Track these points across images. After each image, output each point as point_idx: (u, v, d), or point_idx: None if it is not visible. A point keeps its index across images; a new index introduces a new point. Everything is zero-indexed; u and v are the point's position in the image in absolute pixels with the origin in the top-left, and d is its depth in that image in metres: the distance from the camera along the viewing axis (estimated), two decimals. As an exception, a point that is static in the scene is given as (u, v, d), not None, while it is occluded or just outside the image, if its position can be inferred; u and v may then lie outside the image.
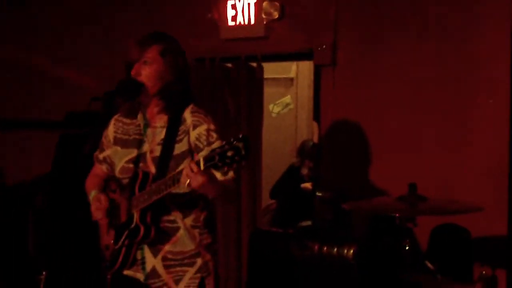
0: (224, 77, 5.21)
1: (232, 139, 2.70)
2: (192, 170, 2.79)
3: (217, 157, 2.71)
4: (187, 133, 3.15)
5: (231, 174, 3.09)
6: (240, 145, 2.67)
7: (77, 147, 3.24)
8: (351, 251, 3.99)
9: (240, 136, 2.70)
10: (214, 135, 3.15)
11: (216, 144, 3.05)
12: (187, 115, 3.18)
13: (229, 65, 5.23)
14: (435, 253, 4.15)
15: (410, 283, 3.42)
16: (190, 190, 2.91)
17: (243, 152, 2.67)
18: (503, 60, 4.28)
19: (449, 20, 4.47)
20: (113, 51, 5.41)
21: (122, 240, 3.14)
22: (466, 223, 4.13)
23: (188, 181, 2.80)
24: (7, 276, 5.17)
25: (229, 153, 2.68)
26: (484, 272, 2.80)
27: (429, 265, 3.62)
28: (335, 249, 4.05)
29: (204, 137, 3.13)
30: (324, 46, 4.84)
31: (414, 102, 4.56)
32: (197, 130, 3.14)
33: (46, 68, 5.96)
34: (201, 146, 3.12)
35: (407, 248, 3.47)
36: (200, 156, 2.83)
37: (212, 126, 3.16)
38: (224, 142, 2.74)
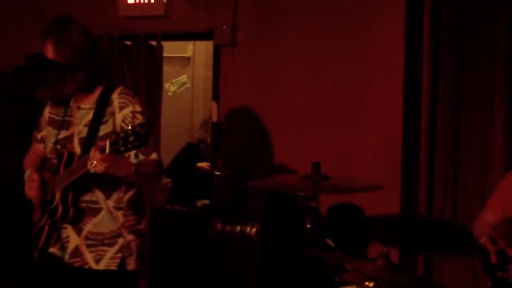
0: (123, 55, 5.17)
1: (136, 125, 2.77)
2: (95, 156, 2.82)
3: (121, 142, 2.76)
4: (113, 114, 3.19)
5: (154, 155, 3.15)
6: (141, 131, 2.75)
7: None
8: (254, 229, 4.07)
9: (143, 122, 2.83)
10: (139, 116, 3.18)
11: None
12: (115, 97, 3.22)
13: (128, 43, 5.19)
14: (331, 231, 4.28)
15: (312, 260, 3.52)
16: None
17: (142, 139, 2.75)
18: (398, 42, 4.45)
19: (346, 1, 4.61)
20: (15, 27, 5.26)
21: (44, 218, 3.19)
22: (361, 202, 4.29)
23: (94, 164, 2.83)
24: None
25: (131, 139, 2.75)
26: (385, 249, 2.92)
27: (330, 242, 3.73)
28: (238, 227, 4.12)
29: (129, 119, 3.16)
30: (224, 26, 4.87)
31: (312, 82, 4.68)
32: (123, 112, 3.19)
33: None
34: (126, 128, 3.09)
35: (308, 226, 3.56)
36: (107, 141, 2.84)
37: (138, 108, 3.20)
38: (129, 127, 2.79)
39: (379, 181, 3.72)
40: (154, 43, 5.12)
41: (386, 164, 4.40)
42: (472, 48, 4.37)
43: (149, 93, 5.14)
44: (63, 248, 3.22)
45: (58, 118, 3.31)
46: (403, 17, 4.45)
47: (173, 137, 6.70)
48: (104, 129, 3.16)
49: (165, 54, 5.26)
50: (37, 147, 3.46)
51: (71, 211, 3.13)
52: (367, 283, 2.94)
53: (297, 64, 4.73)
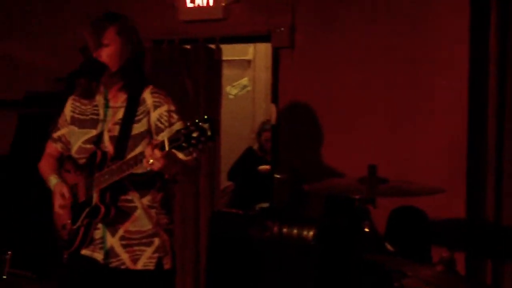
0: (183, 59, 5.17)
1: (196, 120, 2.71)
2: (155, 154, 2.78)
3: (182, 138, 2.71)
4: (147, 114, 3.17)
5: (194, 154, 3.10)
6: (206, 126, 2.68)
7: (38, 128, 3.20)
8: (311, 232, 4.01)
9: (205, 117, 2.71)
10: (175, 116, 3.18)
11: (178, 125, 3.11)
12: (147, 95, 3.20)
13: (188, 47, 5.19)
14: (393, 235, 4.18)
15: (371, 264, 3.44)
16: (149, 170, 2.92)
17: (209, 133, 2.68)
18: (462, 39, 4.30)
19: (405, 1, 4.50)
20: (70, 33, 5.31)
21: (81, 219, 3.16)
22: (424, 205, 4.16)
23: (151, 162, 2.80)
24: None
25: (195, 134, 2.69)
26: (444, 254, 2.81)
27: (389, 247, 3.65)
28: (295, 231, 4.07)
29: (165, 118, 3.15)
30: (282, 29, 4.83)
31: (371, 84, 4.58)
32: (158, 111, 3.17)
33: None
34: (162, 127, 3.15)
35: (366, 229, 3.48)
36: (164, 137, 2.82)
37: (172, 107, 3.20)
38: (188, 123, 2.73)
39: (442, 184, 3.59)
40: (213, 46, 5.10)
41: (449, 166, 4.26)
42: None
43: (209, 97, 5.13)
44: (97, 249, 3.20)
45: (83, 117, 3.27)
46: (467, 15, 4.30)
47: (234, 140, 6.70)
48: (138, 128, 3.14)
49: (225, 57, 5.25)
50: (53, 147, 3.42)
51: (113, 210, 3.10)
52: (424, 289, 2.84)
53: (356, 65, 4.64)
